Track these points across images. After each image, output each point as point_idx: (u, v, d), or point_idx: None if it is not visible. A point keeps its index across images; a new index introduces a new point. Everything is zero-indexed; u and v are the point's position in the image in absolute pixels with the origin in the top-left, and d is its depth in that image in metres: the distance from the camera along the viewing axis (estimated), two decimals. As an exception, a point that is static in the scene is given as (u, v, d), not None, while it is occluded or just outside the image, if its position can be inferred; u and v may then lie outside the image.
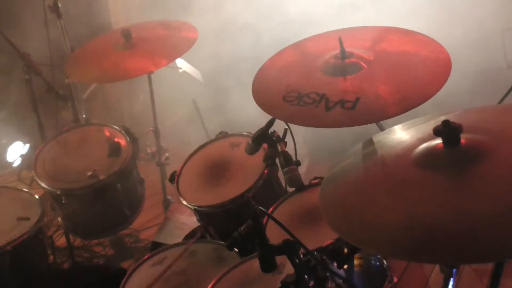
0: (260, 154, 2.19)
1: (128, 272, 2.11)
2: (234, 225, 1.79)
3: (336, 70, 1.86)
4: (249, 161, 2.31)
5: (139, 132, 3.29)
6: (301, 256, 1.55)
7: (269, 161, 2.17)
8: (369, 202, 1.31)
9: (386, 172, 1.37)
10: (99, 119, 4.17)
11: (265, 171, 2.28)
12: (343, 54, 1.86)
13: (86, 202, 2.66)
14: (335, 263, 1.69)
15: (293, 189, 2.15)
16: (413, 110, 1.63)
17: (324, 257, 1.63)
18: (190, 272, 2.06)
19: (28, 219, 2.56)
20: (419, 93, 1.69)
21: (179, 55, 2.85)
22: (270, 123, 2.08)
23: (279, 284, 1.53)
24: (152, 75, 2.94)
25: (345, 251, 1.68)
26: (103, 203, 2.67)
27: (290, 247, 1.52)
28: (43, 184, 2.62)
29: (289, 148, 2.15)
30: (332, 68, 1.87)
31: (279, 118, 1.91)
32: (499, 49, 3.13)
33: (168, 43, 2.81)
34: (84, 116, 3.05)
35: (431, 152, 1.32)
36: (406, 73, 1.79)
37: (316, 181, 2.18)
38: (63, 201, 2.61)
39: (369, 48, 1.92)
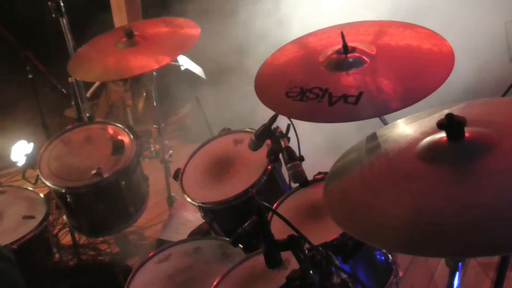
0: (264, 150, 2.20)
1: (133, 270, 2.12)
2: (238, 221, 1.80)
3: (339, 65, 1.85)
4: (253, 157, 2.31)
5: (143, 129, 3.30)
6: (306, 251, 1.55)
7: (272, 157, 2.18)
8: (373, 197, 1.30)
9: (390, 167, 1.37)
10: (103, 117, 4.19)
11: (269, 167, 2.28)
12: (346, 49, 1.86)
13: (90, 200, 2.66)
14: (340, 258, 1.69)
15: (297, 184, 2.15)
16: (416, 104, 1.63)
17: (329, 252, 1.63)
18: (195, 268, 2.07)
19: (33, 217, 2.57)
20: (422, 86, 1.68)
21: (181, 52, 2.84)
22: (273, 119, 2.08)
23: (284, 280, 1.53)
24: (154, 73, 2.94)
25: (350, 246, 1.68)
26: (108, 201, 2.68)
27: (295, 243, 1.52)
28: (47, 183, 2.63)
29: (292, 144, 2.15)
30: (334, 63, 1.86)
31: (282, 114, 1.91)
32: (502, 42, 3.12)
33: (170, 41, 2.80)
34: (87, 114, 3.05)
35: (435, 146, 1.32)
36: (409, 67, 1.79)
37: (320, 176, 2.18)
38: (68, 199, 2.62)
39: (372, 43, 1.91)
